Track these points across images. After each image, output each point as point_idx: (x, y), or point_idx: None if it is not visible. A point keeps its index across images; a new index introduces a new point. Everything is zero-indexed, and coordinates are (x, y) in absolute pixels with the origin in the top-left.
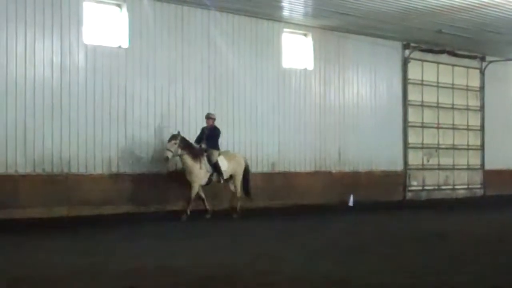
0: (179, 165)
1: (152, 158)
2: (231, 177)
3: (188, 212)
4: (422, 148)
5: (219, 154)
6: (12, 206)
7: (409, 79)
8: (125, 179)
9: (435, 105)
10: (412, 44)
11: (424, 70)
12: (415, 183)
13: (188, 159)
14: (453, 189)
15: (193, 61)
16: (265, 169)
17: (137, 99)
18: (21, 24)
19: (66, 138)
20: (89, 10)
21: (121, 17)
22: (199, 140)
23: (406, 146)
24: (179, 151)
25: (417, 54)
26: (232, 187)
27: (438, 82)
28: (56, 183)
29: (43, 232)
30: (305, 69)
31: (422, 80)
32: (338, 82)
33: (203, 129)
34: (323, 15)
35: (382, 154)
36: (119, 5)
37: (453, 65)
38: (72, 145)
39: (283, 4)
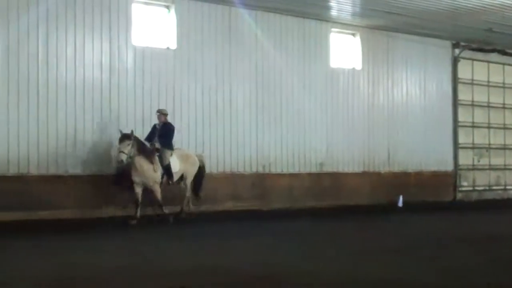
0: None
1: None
2: (182, 177)
3: (167, 211)
4: (472, 148)
5: (171, 154)
6: (64, 207)
7: (459, 78)
8: None
9: (486, 104)
10: (462, 43)
11: (474, 69)
12: (465, 183)
13: (142, 161)
14: (505, 189)
15: (241, 62)
16: (313, 170)
17: (185, 100)
18: (70, 26)
19: (115, 139)
20: (137, 12)
21: (169, 18)
22: (150, 137)
23: (456, 146)
24: (133, 152)
25: (467, 53)
26: (183, 186)
27: (488, 81)
28: (105, 185)
29: (95, 232)
30: (353, 69)
31: (472, 80)
32: (387, 82)
33: (154, 126)
34: (372, 14)
35: (432, 154)
36: (167, 7)
37: (504, 64)
38: None
39: (331, 3)
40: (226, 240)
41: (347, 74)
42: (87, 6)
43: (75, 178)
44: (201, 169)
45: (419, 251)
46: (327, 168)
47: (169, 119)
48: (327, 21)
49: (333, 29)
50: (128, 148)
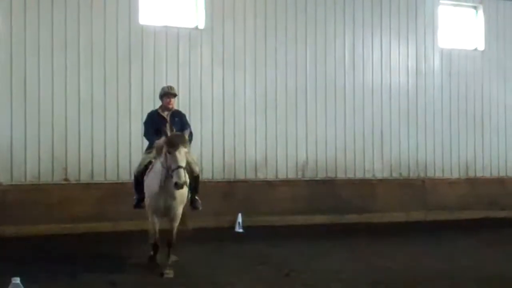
0: None
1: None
2: None
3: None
4: None
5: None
6: (370, 210)
7: None
8: (481, 183)
9: None
10: None
11: None
12: None
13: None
14: None
15: None
16: None
17: (494, 103)
18: (377, 31)
19: (422, 143)
20: (444, 14)
21: (477, 19)
22: (157, 131)
23: None
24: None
25: None
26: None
27: None
28: (412, 188)
29: (401, 236)
30: None
31: None
32: None
33: (157, 114)
34: None
35: None
36: (475, 7)
37: None
38: (428, 149)
39: None
40: None
41: None
42: (393, 10)
43: (381, 181)
44: None
45: None
46: None
47: (478, 123)
48: None
49: None
50: (186, 157)
